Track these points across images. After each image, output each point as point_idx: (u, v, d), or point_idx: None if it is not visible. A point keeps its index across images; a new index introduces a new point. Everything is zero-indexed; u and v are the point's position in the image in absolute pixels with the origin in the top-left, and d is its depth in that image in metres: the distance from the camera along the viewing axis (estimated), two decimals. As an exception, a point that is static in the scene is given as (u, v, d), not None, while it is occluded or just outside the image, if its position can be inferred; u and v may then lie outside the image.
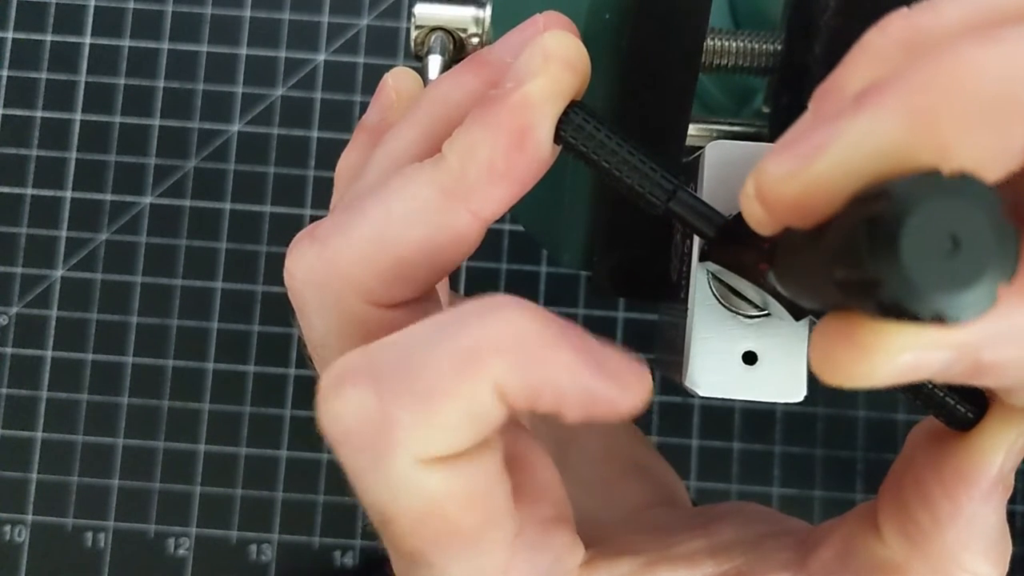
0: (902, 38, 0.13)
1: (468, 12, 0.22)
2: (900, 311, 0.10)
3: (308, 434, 0.37)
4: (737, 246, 0.16)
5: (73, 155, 0.38)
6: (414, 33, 0.22)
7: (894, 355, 0.12)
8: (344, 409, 0.15)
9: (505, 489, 0.16)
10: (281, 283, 0.18)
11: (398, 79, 0.21)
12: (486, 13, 0.22)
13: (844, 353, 0.12)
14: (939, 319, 0.10)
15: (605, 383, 0.14)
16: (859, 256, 0.10)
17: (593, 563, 0.18)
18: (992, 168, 0.11)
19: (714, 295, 0.18)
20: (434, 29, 0.22)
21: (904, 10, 0.13)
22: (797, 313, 0.16)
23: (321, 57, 0.38)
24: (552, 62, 0.16)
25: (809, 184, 0.12)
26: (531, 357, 0.14)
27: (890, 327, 0.12)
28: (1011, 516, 0.35)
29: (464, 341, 0.14)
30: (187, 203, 0.38)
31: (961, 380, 0.13)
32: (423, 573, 0.16)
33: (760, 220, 0.14)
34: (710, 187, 0.18)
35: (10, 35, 0.39)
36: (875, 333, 0.12)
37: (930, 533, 0.17)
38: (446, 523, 0.15)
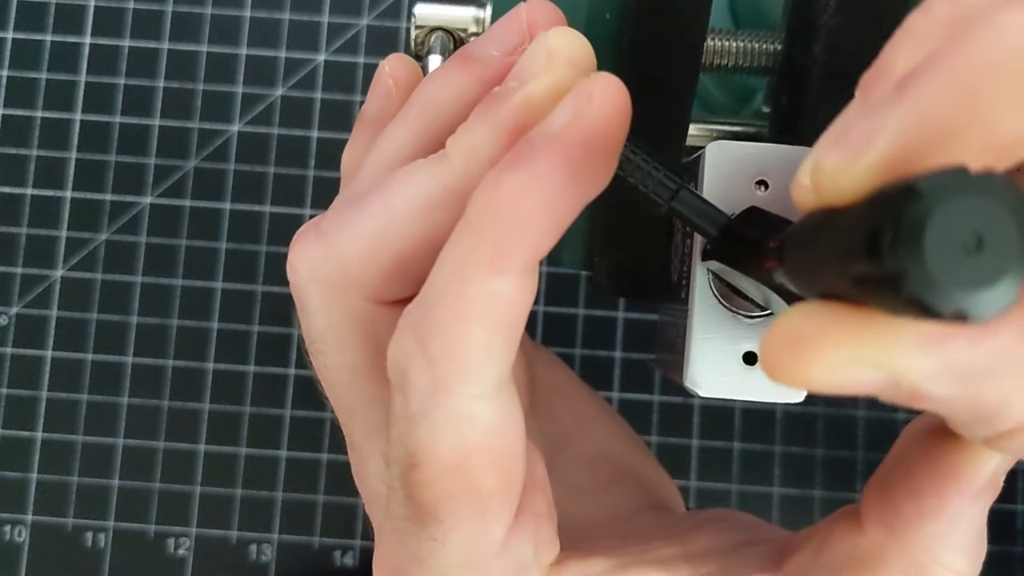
0: (946, 17, 0.13)
1: (468, 12, 0.22)
2: (920, 308, 0.10)
3: (308, 434, 0.37)
4: (740, 245, 0.16)
5: (73, 155, 0.38)
6: (414, 33, 0.22)
7: (830, 370, 0.12)
8: (395, 352, 0.16)
9: (522, 466, 0.17)
10: (281, 283, 0.18)
11: (394, 66, 0.21)
12: (486, 13, 0.22)
13: (786, 359, 0.12)
14: (959, 317, 0.10)
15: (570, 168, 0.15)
16: (881, 252, 0.10)
17: (564, 562, 0.19)
18: None
19: (715, 295, 0.18)
20: (434, 29, 0.22)
21: None
22: None
23: (321, 57, 0.38)
24: (555, 60, 0.16)
25: (863, 175, 0.12)
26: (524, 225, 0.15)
27: (829, 343, 0.12)
28: (1011, 516, 0.35)
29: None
30: (187, 203, 0.38)
31: (899, 403, 0.13)
32: (427, 532, 0.17)
33: (811, 206, 0.13)
34: (711, 187, 0.18)
35: (10, 35, 0.39)
36: (814, 348, 0.12)
37: (912, 524, 0.17)
38: (470, 479, 0.16)
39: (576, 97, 0.15)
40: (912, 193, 0.10)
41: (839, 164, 0.12)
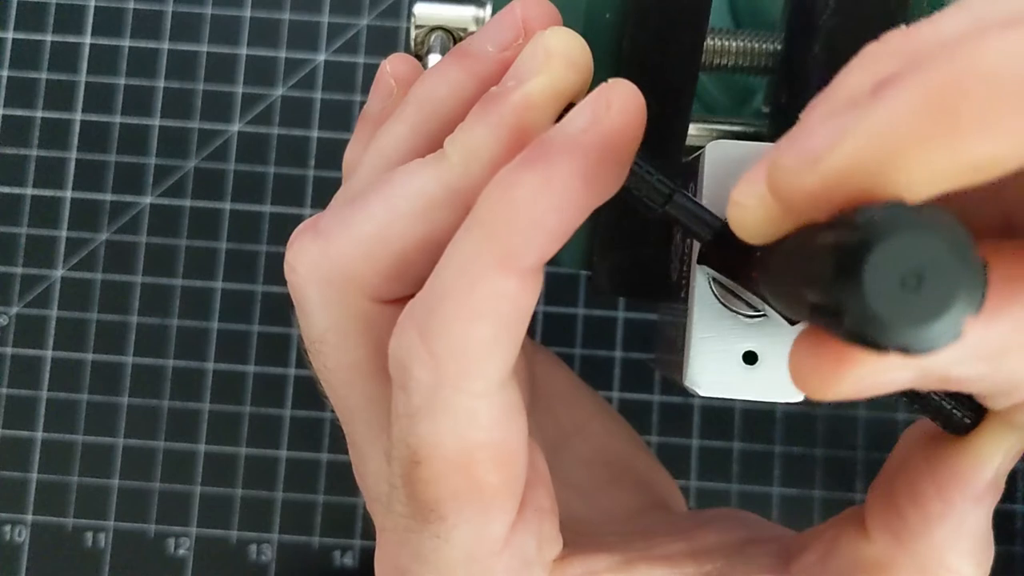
0: (903, 48, 0.13)
1: (468, 12, 0.22)
2: (864, 341, 0.10)
3: (308, 434, 0.37)
4: (731, 251, 0.16)
5: (73, 155, 0.38)
6: (414, 33, 0.22)
7: (859, 378, 0.12)
8: (397, 348, 0.16)
9: (524, 462, 0.17)
10: (281, 283, 0.18)
11: (395, 65, 0.21)
12: (486, 13, 0.22)
13: (813, 374, 0.12)
14: (903, 350, 0.10)
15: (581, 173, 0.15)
16: (825, 284, 0.10)
17: (568, 558, 0.19)
18: (1009, 158, 0.11)
19: (714, 295, 0.18)
20: (434, 29, 0.22)
21: (903, 27, 0.13)
22: (791, 319, 0.16)
23: (321, 57, 0.38)
24: (553, 59, 0.16)
25: (829, 173, 0.12)
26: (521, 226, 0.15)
27: (855, 353, 0.12)
28: (1011, 516, 0.35)
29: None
30: (187, 203, 0.38)
31: (932, 388, 0.13)
32: (430, 529, 0.17)
33: (750, 228, 0.13)
34: (710, 187, 0.18)
35: (10, 35, 0.39)
36: (841, 359, 0.12)
37: (918, 531, 0.17)
38: (472, 477, 0.16)
39: (595, 102, 0.15)
40: (850, 227, 0.10)
41: (800, 162, 0.12)
